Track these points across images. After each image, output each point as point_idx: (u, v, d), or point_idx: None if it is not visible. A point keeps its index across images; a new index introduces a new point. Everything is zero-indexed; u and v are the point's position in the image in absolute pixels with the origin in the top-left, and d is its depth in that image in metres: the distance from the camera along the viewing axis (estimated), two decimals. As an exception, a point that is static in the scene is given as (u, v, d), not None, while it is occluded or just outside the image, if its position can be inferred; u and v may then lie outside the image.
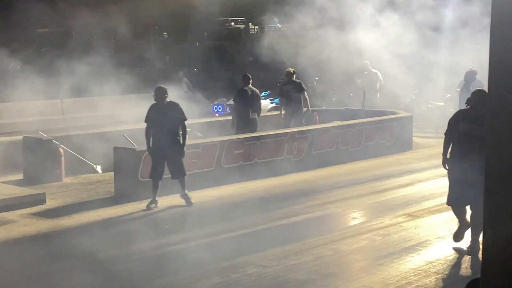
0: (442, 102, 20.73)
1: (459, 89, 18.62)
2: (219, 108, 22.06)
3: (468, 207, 9.08)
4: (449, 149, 9.23)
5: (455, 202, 9.09)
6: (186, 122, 11.61)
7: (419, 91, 21.42)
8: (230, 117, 16.06)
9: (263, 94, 21.23)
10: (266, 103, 21.44)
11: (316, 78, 21.86)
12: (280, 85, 17.56)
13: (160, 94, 11.54)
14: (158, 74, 24.70)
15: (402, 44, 19.13)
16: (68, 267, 8.59)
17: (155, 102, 11.65)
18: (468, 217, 9.12)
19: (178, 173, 11.65)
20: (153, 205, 11.44)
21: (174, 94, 12.22)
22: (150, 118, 11.61)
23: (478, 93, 8.72)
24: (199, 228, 10.33)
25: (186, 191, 11.68)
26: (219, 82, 25.48)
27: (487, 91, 3.71)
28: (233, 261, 8.74)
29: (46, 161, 13.41)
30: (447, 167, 9.19)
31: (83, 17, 23.11)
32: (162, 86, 11.79)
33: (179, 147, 11.53)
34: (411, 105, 20.81)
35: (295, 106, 16.63)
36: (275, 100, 21.98)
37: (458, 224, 9.26)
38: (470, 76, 18.10)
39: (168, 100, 11.62)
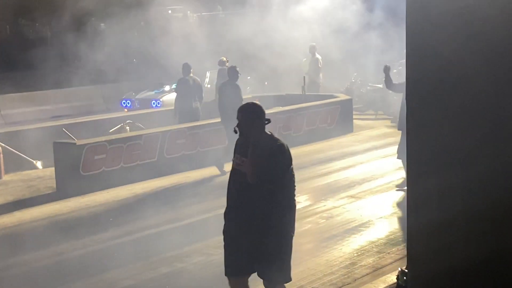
0: (381, 84, 21.04)
1: (396, 70, 18.93)
2: (128, 103, 21.13)
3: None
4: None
5: (230, 271, 5.80)
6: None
7: (358, 74, 21.69)
8: (165, 108, 16.04)
9: (173, 86, 21.02)
10: None
11: (248, 77, 21.82)
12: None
13: (235, 74, 13.31)
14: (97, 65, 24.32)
15: (339, 27, 19.35)
16: (10, 265, 8.48)
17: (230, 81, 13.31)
18: None
19: None
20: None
21: None
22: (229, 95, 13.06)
23: (245, 109, 5.71)
24: (143, 219, 10.30)
25: None
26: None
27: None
28: (178, 250, 8.75)
29: (-16, 159, 13.15)
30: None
31: (14, 10, 22.64)
32: (235, 66, 13.48)
33: None
34: (351, 88, 21.08)
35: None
36: None
37: None
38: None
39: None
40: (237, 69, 13.60)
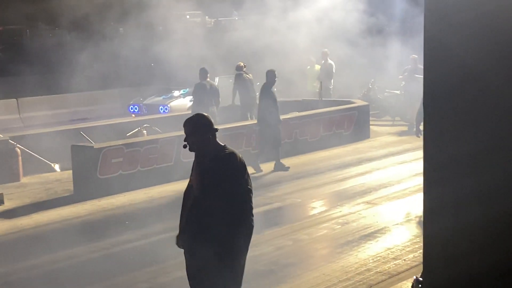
0: (398, 90, 20.99)
1: (402, 76, 18.94)
2: (135, 108, 20.96)
3: None
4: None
5: None
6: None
7: (376, 80, 21.63)
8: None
9: (182, 91, 20.98)
10: (185, 102, 20.37)
11: (258, 83, 21.87)
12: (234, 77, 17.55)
13: (274, 76, 13.79)
14: (116, 70, 24.54)
15: (357, 33, 19.35)
16: (27, 267, 8.53)
17: (268, 82, 13.82)
18: None
19: None
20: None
21: None
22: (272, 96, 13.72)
23: (189, 121, 5.33)
24: (159, 223, 10.32)
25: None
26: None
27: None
28: (194, 255, 8.75)
29: (3, 161, 13.25)
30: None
31: (35, 14, 22.83)
32: (273, 69, 13.91)
33: None
34: (368, 94, 21.03)
35: (252, 98, 16.78)
36: None
37: None
38: (412, 63, 18.41)
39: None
40: (275, 72, 13.89)
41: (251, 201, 5.23)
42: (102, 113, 22.13)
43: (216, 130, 5.27)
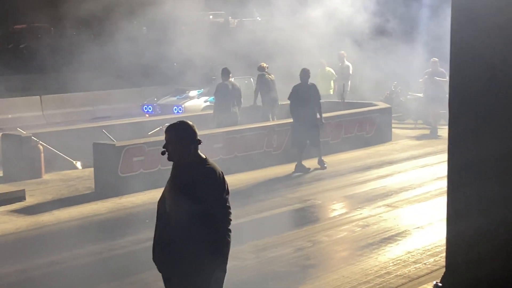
0: (421, 93, 20.87)
1: (422, 79, 18.83)
2: (149, 108, 20.74)
3: None
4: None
5: None
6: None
7: (398, 82, 21.54)
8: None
9: (197, 92, 20.97)
10: (199, 103, 20.25)
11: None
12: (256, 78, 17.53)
13: (305, 75, 13.65)
14: (137, 69, 24.69)
15: (382, 34, 19.27)
16: (47, 263, 8.59)
17: (300, 82, 13.77)
18: None
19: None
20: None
21: None
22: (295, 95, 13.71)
23: (170, 128, 5.01)
24: (179, 222, 10.34)
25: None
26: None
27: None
28: (213, 254, 8.75)
29: (25, 158, 13.36)
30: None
31: (60, 13, 22.99)
32: (306, 68, 13.80)
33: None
34: (391, 97, 20.93)
35: (273, 98, 16.80)
36: (209, 99, 19.67)
37: None
38: (433, 66, 18.29)
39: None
40: (309, 71, 13.92)
41: (228, 222, 4.88)
42: (117, 113, 22.21)
43: (199, 142, 4.94)
